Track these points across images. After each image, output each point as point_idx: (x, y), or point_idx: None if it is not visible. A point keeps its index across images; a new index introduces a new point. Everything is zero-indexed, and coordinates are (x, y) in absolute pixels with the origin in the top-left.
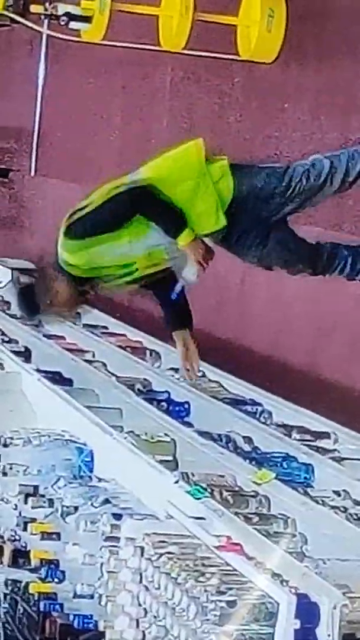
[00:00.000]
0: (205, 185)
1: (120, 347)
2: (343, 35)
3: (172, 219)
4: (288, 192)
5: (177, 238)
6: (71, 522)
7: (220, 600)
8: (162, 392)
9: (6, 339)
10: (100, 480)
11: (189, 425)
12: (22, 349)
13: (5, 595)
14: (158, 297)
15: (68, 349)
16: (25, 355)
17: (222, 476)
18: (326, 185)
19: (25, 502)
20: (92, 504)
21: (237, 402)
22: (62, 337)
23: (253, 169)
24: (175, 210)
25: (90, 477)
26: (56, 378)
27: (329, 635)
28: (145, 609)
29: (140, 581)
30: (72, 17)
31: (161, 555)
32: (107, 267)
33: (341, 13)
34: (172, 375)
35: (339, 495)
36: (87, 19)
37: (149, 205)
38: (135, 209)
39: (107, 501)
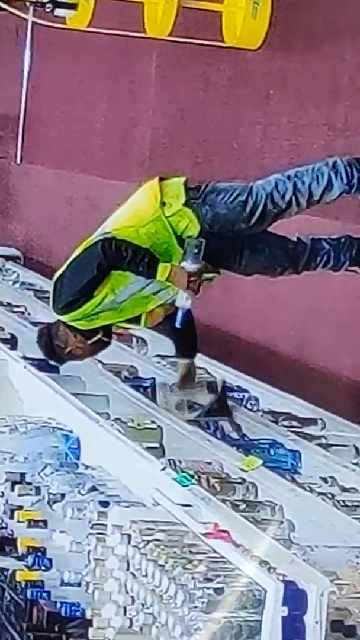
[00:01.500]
0: (161, 225)
1: None
2: (328, 22)
3: (142, 260)
4: (252, 219)
5: (154, 276)
6: (58, 509)
7: (208, 588)
8: (149, 379)
9: None
10: (87, 467)
11: None
12: (8, 337)
13: None
14: (164, 328)
15: None
16: (12, 342)
17: (209, 463)
18: (291, 207)
19: (12, 490)
20: (79, 492)
21: (224, 389)
22: None
23: (214, 197)
24: (144, 251)
25: (77, 464)
26: (42, 365)
27: (316, 622)
28: (132, 596)
29: (128, 569)
30: (57, 4)
31: (148, 542)
32: (109, 319)
33: (326, 0)
34: (159, 362)
35: (327, 481)
36: (72, 6)
37: (117, 257)
38: (104, 268)
39: (94, 488)
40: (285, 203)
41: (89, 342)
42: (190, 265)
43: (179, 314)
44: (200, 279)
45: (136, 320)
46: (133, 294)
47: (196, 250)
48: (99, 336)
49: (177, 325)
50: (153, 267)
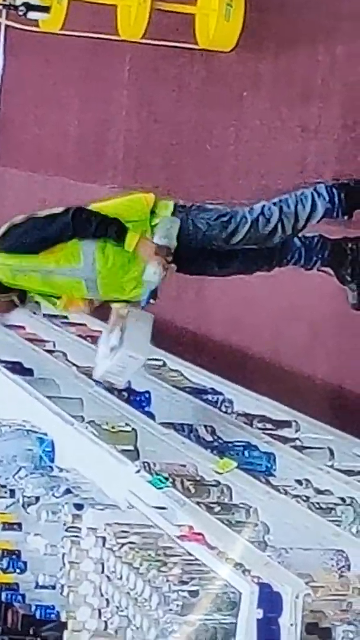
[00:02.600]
0: (142, 229)
1: (80, 336)
2: (301, 23)
3: (111, 226)
4: (232, 240)
5: (122, 243)
6: (32, 512)
7: (183, 590)
8: None
9: None
10: (61, 470)
11: (150, 414)
12: None
13: None
14: None
15: (28, 339)
16: None
17: (184, 465)
18: (277, 233)
19: None
20: (53, 494)
21: (198, 392)
22: (22, 327)
23: (198, 213)
24: (114, 219)
25: (51, 467)
26: (17, 368)
27: (291, 625)
28: (107, 599)
29: (102, 571)
30: (30, 7)
31: (123, 545)
32: (29, 285)
33: (299, 1)
34: None
35: (301, 484)
36: (45, 9)
37: (86, 222)
38: (67, 232)
39: (68, 491)
40: (271, 228)
41: (2, 296)
42: (160, 240)
43: (144, 293)
44: (168, 257)
45: (55, 299)
46: (72, 277)
47: (168, 226)
48: (13, 296)
49: (144, 303)
50: (122, 234)
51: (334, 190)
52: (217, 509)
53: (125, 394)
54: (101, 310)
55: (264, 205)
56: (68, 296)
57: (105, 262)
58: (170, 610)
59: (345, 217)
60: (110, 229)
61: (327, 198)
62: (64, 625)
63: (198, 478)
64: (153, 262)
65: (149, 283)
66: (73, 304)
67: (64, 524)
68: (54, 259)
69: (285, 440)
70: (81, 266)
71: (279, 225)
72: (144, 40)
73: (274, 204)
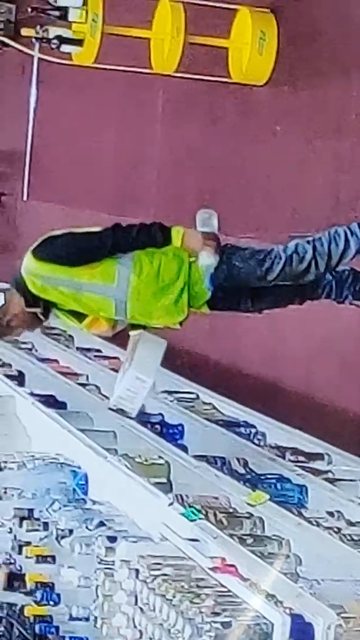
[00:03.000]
0: (178, 263)
1: (113, 369)
2: (334, 57)
3: (153, 227)
4: (267, 278)
5: (168, 242)
6: (66, 545)
7: (215, 622)
8: (156, 414)
9: (0, 363)
10: (94, 503)
11: (183, 447)
12: (16, 373)
13: (1, 618)
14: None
15: (61, 372)
16: (19, 379)
17: (216, 498)
18: (310, 271)
19: (20, 526)
20: (86, 527)
21: (230, 424)
22: (56, 361)
23: (233, 251)
24: (154, 222)
25: (84, 500)
26: (50, 401)
27: None
28: (140, 630)
29: (136, 603)
30: (63, 40)
31: (156, 577)
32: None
33: (331, 35)
34: (166, 398)
35: (333, 516)
36: (78, 42)
37: (127, 231)
38: (107, 242)
39: (101, 524)
40: (305, 266)
41: (28, 309)
42: (203, 229)
43: (206, 278)
44: (218, 240)
45: (79, 317)
46: (103, 296)
47: (207, 216)
48: (38, 309)
49: (209, 288)
50: (166, 233)
51: None
52: (250, 540)
53: (158, 427)
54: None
55: (297, 244)
56: (94, 315)
57: (139, 285)
58: None
59: None
60: (152, 230)
61: (359, 236)
62: None
63: (231, 510)
64: (205, 249)
65: (207, 267)
66: (96, 325)
67: (97, 557)
68: (89, 273)
69: (317, 472)
70: (114, 286)
71: (313, 263)
72: (177, 74)
73: (308, 242)
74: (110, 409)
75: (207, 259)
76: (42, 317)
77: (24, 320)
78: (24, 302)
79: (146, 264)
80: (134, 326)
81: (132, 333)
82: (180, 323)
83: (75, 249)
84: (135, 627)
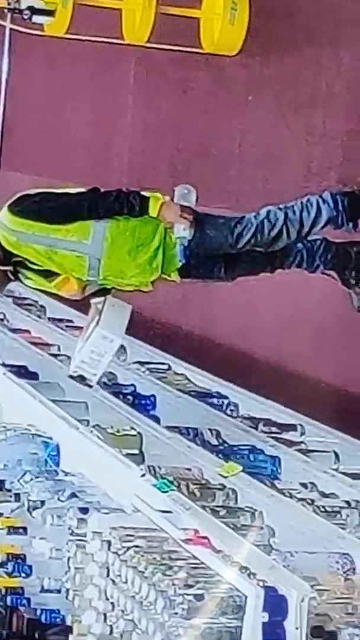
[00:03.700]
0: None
1: None
2: (306, 28)
3: (132, 195)
4: (238, 244)
5: (146, 211)
6: (38, 516)
7: (188, 594)
8: (128, 385)
9: None
10: (66, 474)
11: (155, 418)
12: None
13: None
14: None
15: (33, 343)
16: None
17: (189, 469)
18: (281, 237)
19: None
20: (58, 498)
21: (203, 395)
22: (27, 331)
23: (205, 218)
24: (133, 190)
25: (56, 471)
26: (22, 372)
27: (297, 628)
28: (112, 603)
29: (107, 575)
30: (35, 10)
31: (128, 549)
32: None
33: (304, 6)
34: (138, 369)
35: (306, 487)
36: (50, 13)
37: (106, 195)
38: (86, 203)
39: (73, 495)
40: (276, 232)
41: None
42: (180, 201)
43: (180, 248)
44: (194, 214)
45: (49, 275)
46: (77, 253)
47: (185, 191)
48: (9, 268)
49: (182, 260)
50: (144, 202)
51: (339, 198)
52: (223, 512)
53: (130, 397)
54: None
55: (269, 210)
56: (66, 274)
57: (114, 243)
58: (176, 613)
59: (350, 225)
60: (131, 197)
61: (331, 205)
62: (69, 630)
63: (203, 482)
64: (181, 222)
65: (181, 239)
66: (67, 285)
67: (69, 528)
68: (64, 229)
69: (290, 443)
70: (89, 243)
71: (284, 230)
72: (148, 45)
73: (280, 209)
74: (70, 376)
75: (183, 232)
76: (11, 276)
77: None
78: None
79: (122, 222)
80: (97, 294)
81: (93, 300)
82: (152, 283)
83: (53, 206)
84: (107, 599)
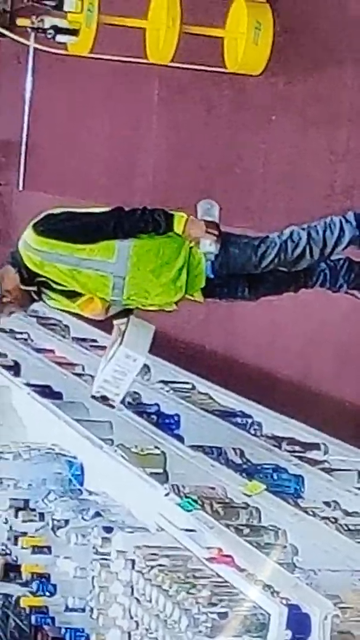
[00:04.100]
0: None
1: None
2: (329, 47)
3: (157, 213)
4: (262, 264)
5: (170, 228)
6: (62, 535)
7: (212, 612)
8: (152, 404)
9: None
10: (90, 493)
11: (179, 437)
12: (12, 363)
13: None
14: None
15: (57, 363)
16: (15, 369)
17: (213, 488)
18: (304, 257)
19: (16, 516)
20: (82, 517)
21: (227, 414)
22: (52, 351)
23: (228, 237)
24: (157, 208)
25: (80, 490)
26: (46, 392)
27: None
28: (136, 621)
29: (132, 594)
30: (59, 30)
31: (152, 567)
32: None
33: (327, 25)
34: (162, 388)
35: (329, 506)
36: (74, 32)
37: (131, 213)
38: (110, 223)
39: (97, 514)
40: (299, 252)
41: (23, 286)
42: (205, 218)
43: (207, 264)
44: (219, 229)
45: (73, 296)
46: (101, 273)
47: (208, 207)
48: (33, 288)
49: (210, 275)
50: (169, 219)
51: None
52: (246, 531)
53: (154, 417)
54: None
55: (292, 230)
56: (90, 294)
57: (138, 262)
58: (200, 632)
59: None
60: (155, 214)
61: (354, 224)
62: None
63: (227, 500)
64: (207, 237)
65: (208, 254)
66: (91, 306)
67: (93, 547)
68: (88, 249)
69: (313, 462)
70: (114, 262)
71: (307, 250)
72: (172, 64)
73: (303, 229)
74: (92, 396)
75: (209, 247)
76: (35, 296)
77: (17, 298)
78: (19, 279)
79: (146, 240)
80: (120, 315)
81: (116, 322)
82: (176, 303)
83: (77, 226)
84: (131, 618)
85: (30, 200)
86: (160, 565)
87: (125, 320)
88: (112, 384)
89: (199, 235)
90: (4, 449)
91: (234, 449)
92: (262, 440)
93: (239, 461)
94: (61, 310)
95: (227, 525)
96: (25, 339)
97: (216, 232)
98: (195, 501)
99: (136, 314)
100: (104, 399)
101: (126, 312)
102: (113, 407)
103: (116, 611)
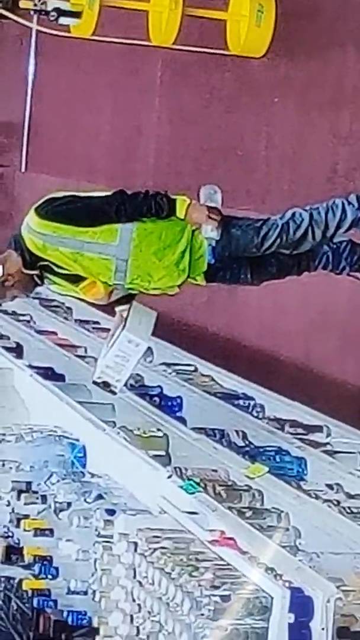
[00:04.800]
0: (179, 229)
1: None
2: (331, 29)
3: (159, 196)
4: (264, 245)
5: (173, 212)
6: (64, 518)
7: (214, 595)
8: (155, 387)
9: None
10: (93, 475)
11: (182, 420)
12: (14, 345)
13: None
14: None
15: (60, 345)
16: (17, 351)
17: (215, 471)
18: (306, 239)
19: (18, 499)
20: (85, 500)
21: (229, 397)
22: (54, 333)
23: (230, 220)
24: (161, 192)
25: (83, 472)
26: (48, 374)
27: (323, 629)
28: (139, 604)
29: (134, 576)
30: (61, 12)
31: (155, 550)
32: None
33: (330, 8)
34: (164, 370)
35: (332, 488)
36: (76, 15)
37: (133, 197)
38: (113, 205)
39: (100, 497)
40: (301, 233)
41: (25, 270)
42: (207, 203)
43: (208, 249)
44: (221, 214)
45: (76, 280)
46: (104, 256)
47: (211, 191)
48: (36, 272)
49: (211, 260)
50: (171, 203)
51: None
52: (249, 513)
53: (157, 399)
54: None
55: (294, 212)
56: (92, 278)
57: (140, 244)
58: (202, 615)
59: None
60: (158, 198)
61: (357, 206)
62: (95, 631)
63: (229, 483)
64: (209, 222)
65: (209, 240)
66: (94, 290)
67: (96, 530)
68: (91, 231)
69: (316, 445)
70: (116, 244)
71: (309, 231)
72: (175, 46)
73: (305, 210)
74: (94, 382)
75: (211, 232)
76: (37, 280)
77: (19, 281)
78: (21, 262)
79: (149, 223)
80: (122, 301)
81: (118, 308)
82: (179, 287)
83: (80, 209)
84: (133, 600)
85: (33, 183)
86: (162, 547)
87: (127, 306)
88: (114, 370)
89: (200, 220)
90: (6, 431)
91: (236, 431)
92: (265, 423)
93: (241, 443)
94: (64, 294)
95: (230, 508)
96: (28, 321)
97: (218, 218)
98: (198, 484)
99: (138, 300)
100: (105, 385)
101: (128, 298)
102: (114, 393)
103: (118, 594)
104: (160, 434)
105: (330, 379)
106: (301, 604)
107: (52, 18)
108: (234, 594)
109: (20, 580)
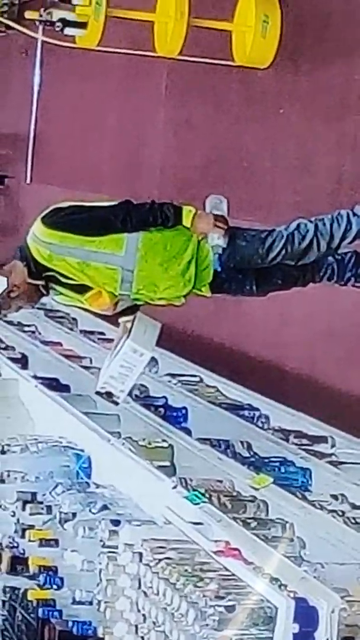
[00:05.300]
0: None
1: None
2: (337, 40)
3: (165, 206)
4: (269, 256)
5: (179, 221)
6: (69, 528)
7: (219, 605)
8: (160, 397)
9: (3, 345)
10: (98, 486)
11: (187, 430)
12: (19, 356)
13: (3, 602)
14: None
15: (65, 355)
16: (22, 362)
17: (220, 481)
18: (311, 250)
19: (23, 509)
20: (90, 510)
21: (234, 407)
22: (59, 344)
23: (235, 231)
24: (167, 202)
25: (88, 483)
26: (53, 384)
27: (327, 639)
28: (144, 614)
29: (139, 587)
30: (67, 23)
31: (160, 560)
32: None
33: (335, 18)
34: (170, 381)
35: (337, 499)
36: (82, 25)
37: (139, 206)
38: (119, 215)
39: (105, 507)
40: (306, 244)
41: (30, 280)
42: (213, 211)
43: (215, 257)
44: (227, 223)
45: (81, 291)
46: (110, 265)
47: (218, 201)
48: (41, 282)
49: (218, 268)
50: (177, 213)
51: None
52: (254, 524)
53: (162, 410)
54: None
55: (300, 223)
56: (98, 288)
57: (146, 254)
58: (207, 625)
59: None
60: (164, 207)
61: None
62: None
63: (234, 494)
64: (215, 231)
65: (215, 248)
66: (99, 300)
67: (101, 540)
68: (97, 241)
69: (321, 455)
70: (122, 254)
71: (314, 242)
72: (180, 57)
73: (310, 221)
74: (97, 392)
75: (217, 240)
76: (43, 291)
77: (25, 292)
78: (27, 273)
79: (155, 233)
80: (127, 312)
81: (122, 319)
82: (185, 297)
83: (86, 219)
84: (138, 611)
85: (38, 194)
86: (167, 558)
87: (131, 317)
88: (117, 380)
89: (207, 229)
90: (11, 442)
91: (241, 442)
92: (270, 433)
93: (246, 454)
94: (69, 305)
95: (235, 519)
96: (33, 332)
97: (224, 226)
98: (203, 494)
99: (143, 311)
100: (108, 395)
101: (133, 309)
102: (117, 403)
103: (123, 604)
104: (165, 444)
105: (335, 390)
106: (306, 615)
107: (57, 29)
108: (238, 604)
109: (26, 591)
